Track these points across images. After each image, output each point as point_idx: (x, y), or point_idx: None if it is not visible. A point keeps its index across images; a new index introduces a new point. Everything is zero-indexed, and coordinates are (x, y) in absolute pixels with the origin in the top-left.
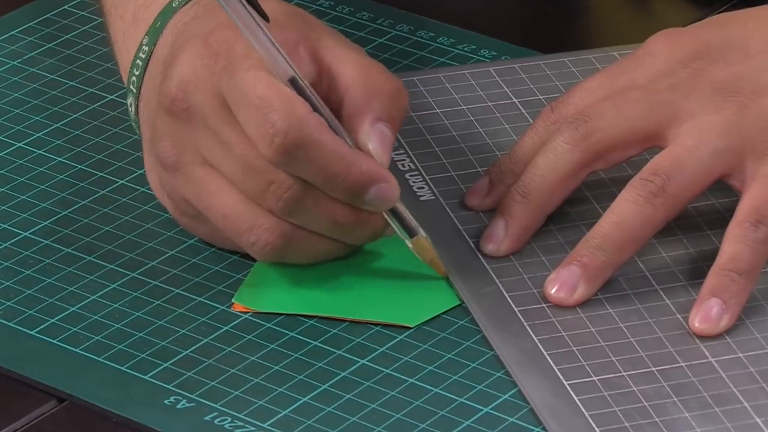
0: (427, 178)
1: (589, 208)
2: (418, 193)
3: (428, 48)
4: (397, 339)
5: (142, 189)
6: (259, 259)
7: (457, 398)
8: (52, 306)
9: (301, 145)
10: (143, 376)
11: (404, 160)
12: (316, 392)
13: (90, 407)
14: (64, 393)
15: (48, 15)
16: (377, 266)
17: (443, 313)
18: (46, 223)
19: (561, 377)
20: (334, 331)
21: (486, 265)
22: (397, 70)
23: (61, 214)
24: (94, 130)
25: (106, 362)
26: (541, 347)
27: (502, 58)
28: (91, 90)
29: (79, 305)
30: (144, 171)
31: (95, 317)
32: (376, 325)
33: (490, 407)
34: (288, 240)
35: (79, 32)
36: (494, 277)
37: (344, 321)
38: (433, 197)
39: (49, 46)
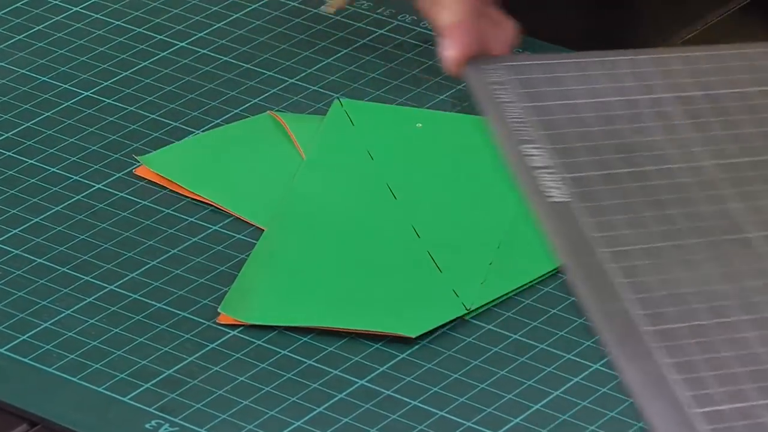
0: (562, 176)
1: None
2: (550, 193)
3: (432, 40)
4: (399, 357)
5: (121, 194)
6: None
7: (464, 422)
8: (23, 321)
9: None
10: (122, 398)
11: (539, 154)
12: (310, 416)
13: (64, 431)
14: (36, 416)
15: (18, 4)
16: (375, 273)
17: (448, 328)
18: (15, 231)
19: (687, 405)
20: (329, 349)
21: (616, 279)
22: (399, 63)
23: (32, 222)
24: (69, 129)
25: (82, 383)
26: (667, 372)
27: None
28: (64, 86)
29: (52, 321)
30: (123, 174)
31: (70, 334)
32: (375, 336)
33: None
34: None
35: (53, 23)
36: (624, 293)
37: (340, 334)
38: (569, 198)
39: (19, 38)
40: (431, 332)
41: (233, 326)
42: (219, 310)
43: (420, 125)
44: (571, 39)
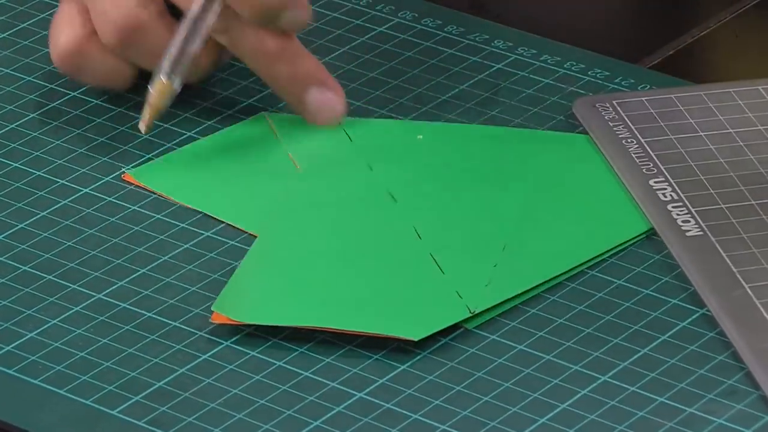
0: (692, 210)
1: None
2: (683, 228)
3: (434, 38)
4: (399, 369)
5: (109, 198)
6: None
7: None
8: (7, 332)
9: None
10: (111, 411)
11: (665, 189)
12: (306, 429)
13: None
14: (21, 430)
15: (1, 1)
16: (376, 275)
17: (451, 338)
18: None
19: None
20: (327, 360)
21: (767, 315)
22: (400, 62)
23: (17, 227)
24: (54, 131)
25: (69, 395)
26: None
27: (519, 49)
28: (50, 86)
29: (37, 331)
30: (112, 178)
31: (56, 344)
32: (375, 344)
33: None
34: None
35: (37, 20)
36: None
37: (338, 345)
38: (701, 233)
39: (2, 36)
40: (433, 342)
41: (226, 336)
42: (212, 308)
43: (420, 137)
44: (578, 38)
